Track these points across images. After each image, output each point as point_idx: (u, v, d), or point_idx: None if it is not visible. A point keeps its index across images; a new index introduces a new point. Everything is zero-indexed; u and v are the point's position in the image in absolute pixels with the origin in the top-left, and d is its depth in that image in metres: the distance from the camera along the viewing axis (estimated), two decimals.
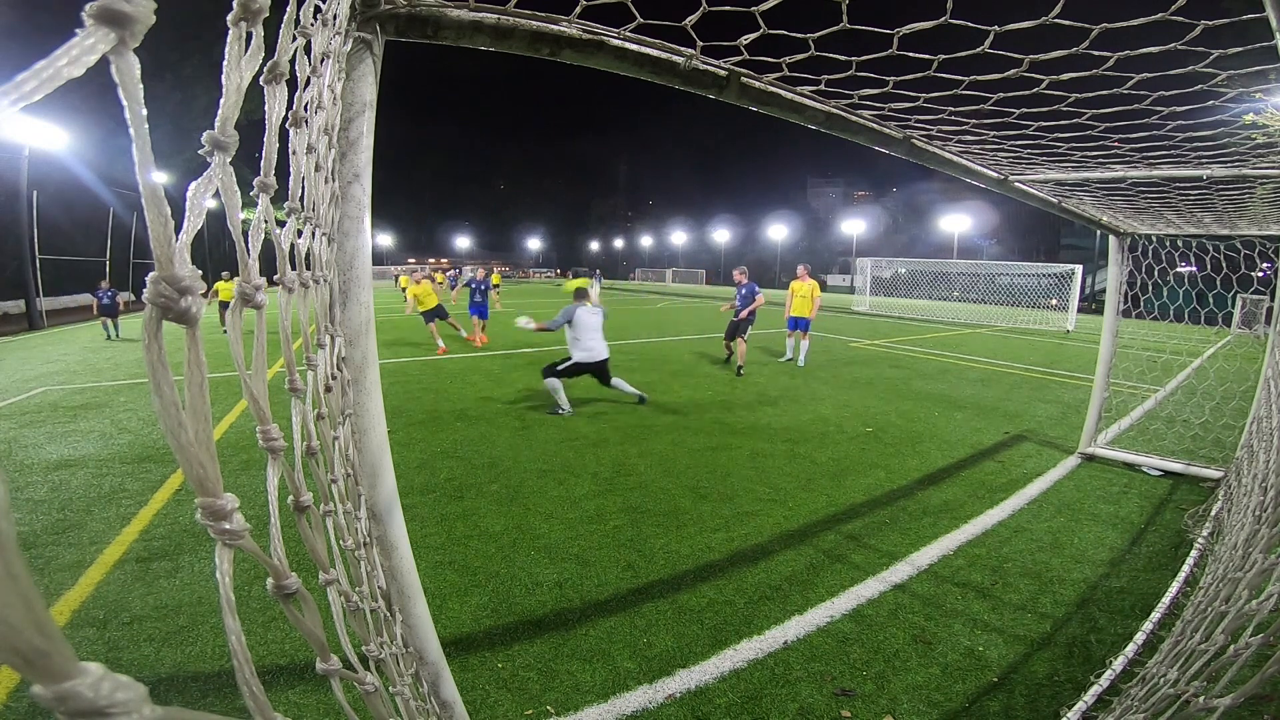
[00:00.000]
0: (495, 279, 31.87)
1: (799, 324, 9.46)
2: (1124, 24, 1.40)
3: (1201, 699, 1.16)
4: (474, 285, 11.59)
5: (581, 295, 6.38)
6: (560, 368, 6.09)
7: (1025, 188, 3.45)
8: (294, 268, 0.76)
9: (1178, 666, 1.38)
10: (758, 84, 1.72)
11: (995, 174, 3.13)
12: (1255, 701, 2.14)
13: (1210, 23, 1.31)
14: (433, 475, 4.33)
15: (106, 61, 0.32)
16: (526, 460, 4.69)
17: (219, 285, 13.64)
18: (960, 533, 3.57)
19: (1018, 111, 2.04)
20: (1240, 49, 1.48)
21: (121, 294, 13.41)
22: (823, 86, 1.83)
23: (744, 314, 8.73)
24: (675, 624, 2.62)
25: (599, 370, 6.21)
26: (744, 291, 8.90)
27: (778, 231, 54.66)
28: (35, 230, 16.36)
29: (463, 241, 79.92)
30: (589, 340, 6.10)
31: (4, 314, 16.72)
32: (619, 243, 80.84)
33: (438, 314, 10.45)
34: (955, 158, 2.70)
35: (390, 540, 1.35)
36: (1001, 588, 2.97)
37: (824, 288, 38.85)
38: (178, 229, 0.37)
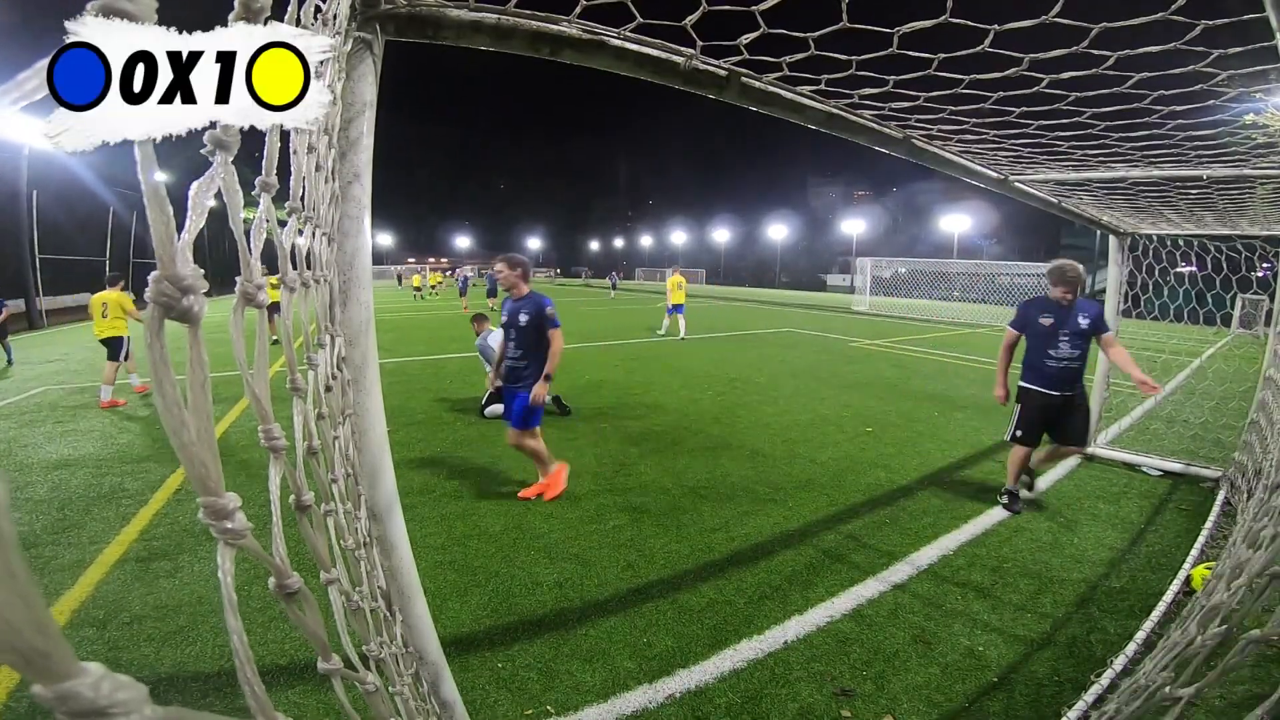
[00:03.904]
0: (433, 278, 30.36)
1: (679, 309, 12.86)
2: (1124, 24, 1.40)
3: (1168, 689, 1.16)
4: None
5: (481, 320, 6.39)
6: (484, 400, 6.05)
7: (1025, 188, 3.45)
8: (295, 267, 0.76)
9: (1153, 659, 1.39)
10: (758, 84, 1.72)
11: (995, 174, 3.13)
12: (1255, 700, 2.14)
13: (1210, 23, 1.31)
14: (433, 475, 4.33)
15: None
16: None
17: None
18: (960, 533, 3.57)
19: (1018, 111, 2.04)
20: (1240, 49, 1.48)
21: (9, 303, 9.74)
22: (823, 86, 1.83)
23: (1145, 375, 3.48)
24: (675, 624, 2.62)
25: None
26: (1086, 320, 3.65)
27: (778, 231, 54.65)
28: (35, 230, 16.36)
29: (463, 241, 79.97)
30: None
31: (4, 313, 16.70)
32: (619, 242, 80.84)
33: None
34: (955, 158, 2.70)
35: (390, 540, 1.35)
36: (1001, 588, 2.97)
37: (824, 288, 47.69)
38: (180, 228, 0.37)
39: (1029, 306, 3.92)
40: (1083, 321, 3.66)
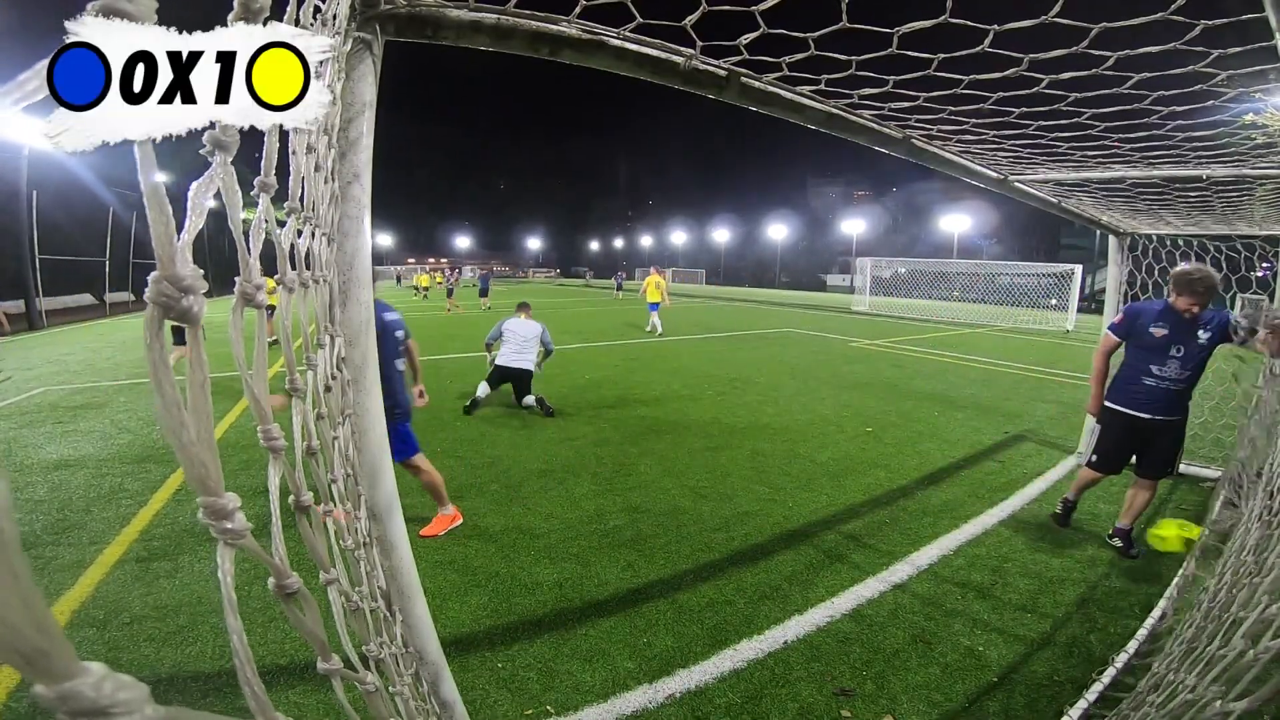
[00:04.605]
0: (424, 279, 29.93)
1: (655, 307, 13.77)
2: (1124, 24, 1.40)
3: (1218, 704, 1.15)
4: None
5: (523, 308, 6.71)
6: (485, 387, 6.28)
7: (1025, 188, 3.45)
8: (294, 268, 0.76)
9: (1195, 672, 1.37)
10: (758, 84, 1.72)
11: (995, 174, 3.13)
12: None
13: (1210, 23, 1.32)
14: None
15: None
16: (526, 460, 4.69)
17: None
18: (960, 533, 3.57)
19: (1017, 111, 2.04)
20: (1240, 49, 1.48)
21: (5, 305, 9.38)
22: (823, 86, 1.83)
23: None
24: (675, 624, 2.62)
25: (513, 378, 6.17)
26: (1208, 336, 3.05)
27: (778, 231, 54.65)
28: (35, 230, 16.34)
29: (463, 241, 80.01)
30: (504, 348, 6.23)
31: (4, 314, 16.69)
32: (619, 242, 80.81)
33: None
34: (955, 158, 2.70)
35: (390, 540, 1.35)
36: (1001, 588, 2.97)
37: (824, 288, 47.90)
38: (179, 229, 0.37)
39: (1140, 311, 3.21)
40: (1203, 337, 3.02)
